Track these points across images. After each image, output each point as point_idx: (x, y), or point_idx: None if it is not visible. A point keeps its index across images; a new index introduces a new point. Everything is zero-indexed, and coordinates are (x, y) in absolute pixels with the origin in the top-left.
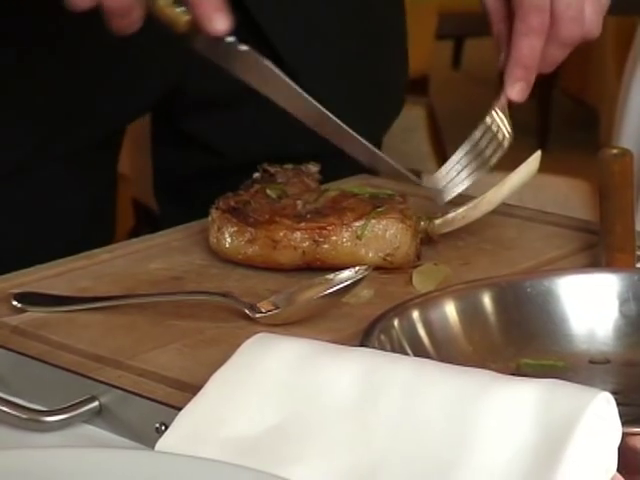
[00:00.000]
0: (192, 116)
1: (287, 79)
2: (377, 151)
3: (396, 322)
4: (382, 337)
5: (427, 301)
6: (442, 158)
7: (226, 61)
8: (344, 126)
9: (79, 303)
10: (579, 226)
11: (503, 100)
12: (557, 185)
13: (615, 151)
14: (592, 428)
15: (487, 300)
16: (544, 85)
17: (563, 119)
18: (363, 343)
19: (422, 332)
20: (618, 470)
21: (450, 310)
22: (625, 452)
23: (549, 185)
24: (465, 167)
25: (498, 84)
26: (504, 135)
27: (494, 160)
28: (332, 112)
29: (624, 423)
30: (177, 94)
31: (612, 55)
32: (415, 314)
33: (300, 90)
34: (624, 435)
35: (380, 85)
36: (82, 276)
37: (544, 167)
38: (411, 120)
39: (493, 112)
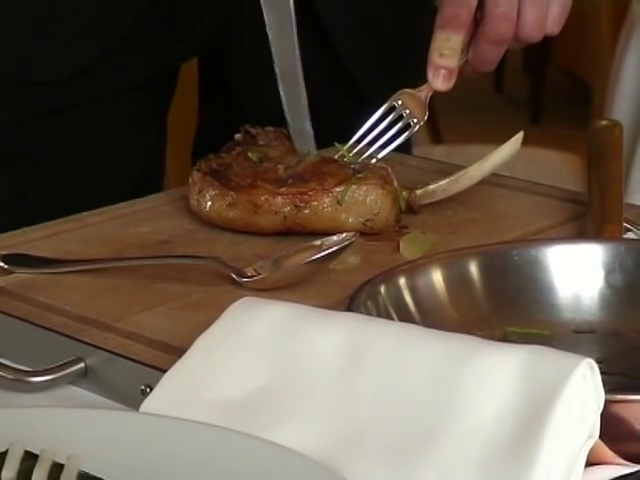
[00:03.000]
0: (234, 69)
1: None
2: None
3: (383, 289)
4: (368, 303)
5: (414, 268)
6: (434, 130)
7: None
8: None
9: (67, 265)
10: (568, 197)
11: (425, 90)
12: (549, 158)
13: (605, 123)
14: (576, 394)
15: (474, 268)
16: (538, 60)
17: (557, 94)
18: (349, 309)
19: (408, 299)
20: (601, 437)
21: (437, 277)
22: (608, 419)
23: (541, 158)
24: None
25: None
26: (415, 119)
27: (399, 140)
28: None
29: (607, 391)
30: (223, 45)
31: (606, 30)
32: (402, 281)
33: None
34: (607, 402)
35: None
36: (70, 239)
37: (537, 141)
38: None
39: (400, 96)
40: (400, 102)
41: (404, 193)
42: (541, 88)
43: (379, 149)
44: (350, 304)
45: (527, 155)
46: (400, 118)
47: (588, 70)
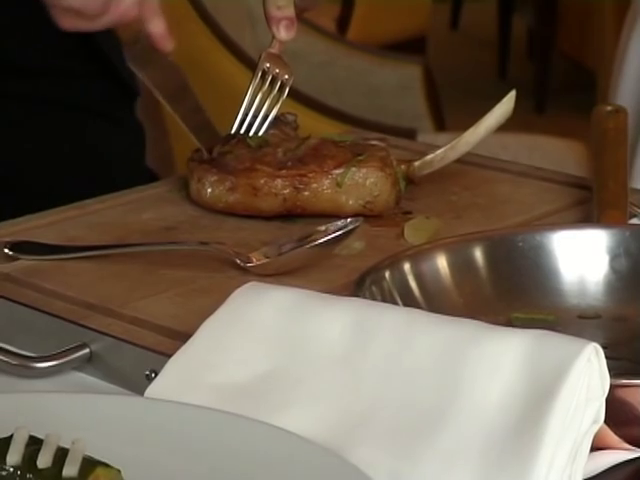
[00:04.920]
0: None
1: None
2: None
3: (387, 274)
4: (373, 288)
5: (419, 253)
6: (438, 118)
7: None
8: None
9: (71, 251)
10: (572, 182)
11: (276, 45)
12: (553, 146)
13: (610, 108)
14: (581, 378)
15: (479, 253)
16: (543, 47)
17: (561, 81)
18: (354, 294)
19: (413, 284)
20: (606, 422)
21: (441, 263)
22: (613, 404)
23: (545, 146)
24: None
25: (496, 46)
26: (285, 75)
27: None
28: None
29: (613, 376)
30: None
31: (611, 18)
32: (406, 266)
33: None
34: (612, 387)
35: None
36: (73, 225)
37: (541, 128)
38: (406, 78)
39: (266, 59)
40: (268, 65)
41: (402, 167)
42: (545, 75)
43: (270, 108)
44: (355, 289)
45: (531, 143)
46: (274, 79)
47: (592, 57)
